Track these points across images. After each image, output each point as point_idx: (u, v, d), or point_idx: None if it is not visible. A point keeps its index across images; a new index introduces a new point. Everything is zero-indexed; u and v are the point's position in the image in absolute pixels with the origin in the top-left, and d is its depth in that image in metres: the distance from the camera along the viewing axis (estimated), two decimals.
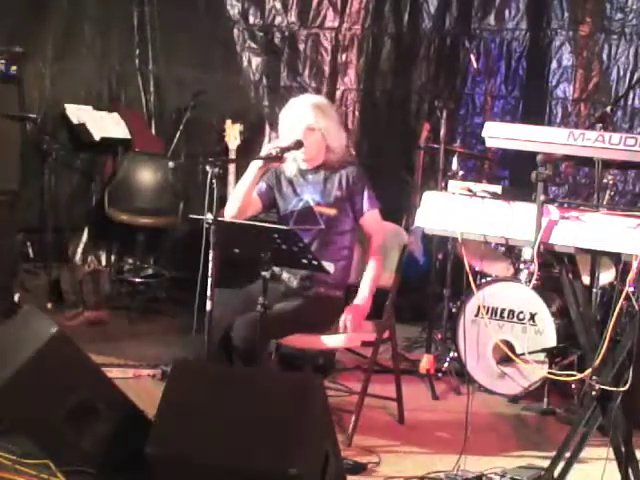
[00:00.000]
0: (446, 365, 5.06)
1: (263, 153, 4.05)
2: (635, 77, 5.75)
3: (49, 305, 5.82)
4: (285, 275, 4.12)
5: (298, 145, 4.00)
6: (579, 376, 3.34)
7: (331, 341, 4.06)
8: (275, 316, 3.80)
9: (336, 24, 6.61)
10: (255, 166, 4.01)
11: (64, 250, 6.38)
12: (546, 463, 3.39)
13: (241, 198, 4.05)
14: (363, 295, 4.07)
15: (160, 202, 6.26)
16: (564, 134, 2.96)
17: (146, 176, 6.26)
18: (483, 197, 3.12)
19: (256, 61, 6.73)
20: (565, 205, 3.03)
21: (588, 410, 3.14)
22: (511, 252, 5.04)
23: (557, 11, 6.04)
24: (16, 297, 5.57)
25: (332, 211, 4.09)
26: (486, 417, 4.47)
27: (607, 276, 4.73)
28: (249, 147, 6.50)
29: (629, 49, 5.80)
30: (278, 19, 6.69)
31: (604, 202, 4.58)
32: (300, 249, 3.65)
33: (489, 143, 3.12)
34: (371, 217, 4.12)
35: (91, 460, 3.28)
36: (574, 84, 6.00)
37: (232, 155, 5.93)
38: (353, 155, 4.23)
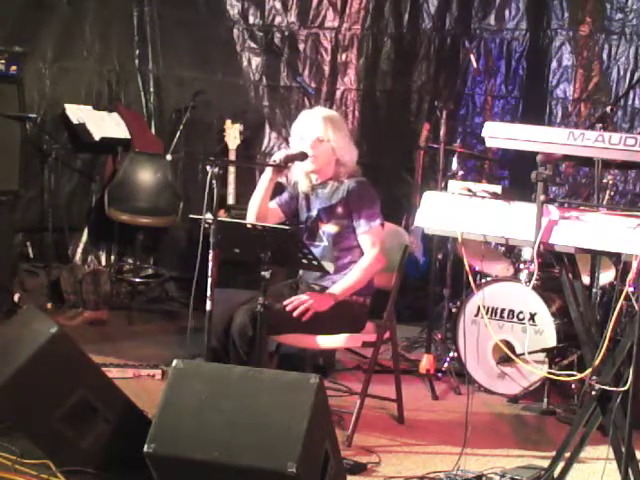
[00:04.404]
0: (446, 365, 5.06)
1: (271, 160, 4.08)
2: (635, 77, 5.75)
3: (49, 305, 5.82)
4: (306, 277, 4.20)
5: (302, 156, 4.00)
6: (579, 376, 3.34)
7: (331, 341, 4.06)
8: (278, 311, 3.84)
9: (336, 24, 6.61)
10: (266, 176, 4.05)
11: (64, 250, 6.38)
12: (546, 463, 3.39)
13: (256, 209, 4.09)
14: (331, 294, 3.98)
15: (160, 202, 6.26)
16: (564, 134, 2.95)
17: (146, 176, 6.25)
18: (483, 197, 3.12)
19: (256, 61, 6.72)
20: (565, 205, 3.03)
21: (588, 410, 3.14)
22: (511, 252, 5.03)
23: (557, 11, 6.04)
24: (16, 297, 5.57)
25: (334, 228, 4.10)
26: (486, 417, 4.47)
27: (607, 276, 4.73)
28: (249, 147, 6.52)
29: (629, 49, 5.80)
30: (278, 19, 6.68)
31: (604, 202, 4.58)
32: (300, 249, 3.66)
33: (489, 143, 3.12)
34: (365, 238, 4.05)
35: (91, 460, 3.28)
36: (574, 84, 6.00)
37: (232, 155, 5.95)
38: (359, 171, 4.19)
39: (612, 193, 4.75)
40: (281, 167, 4.01)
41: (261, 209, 4.10)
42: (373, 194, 4.11)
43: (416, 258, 5.71)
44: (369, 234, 4.05)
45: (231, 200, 5.80)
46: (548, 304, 4.67)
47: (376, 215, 4.07)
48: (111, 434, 3.34)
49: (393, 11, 6.51)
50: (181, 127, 6.34)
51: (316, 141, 4.05)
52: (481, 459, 3.82)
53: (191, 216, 3.66)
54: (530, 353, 4.52)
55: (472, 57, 5.74)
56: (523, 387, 4.68)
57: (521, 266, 4.97)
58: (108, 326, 5.76)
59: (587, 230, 2.88)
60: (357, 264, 4.05)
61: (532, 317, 4.69)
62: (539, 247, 2.93)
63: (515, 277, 4.95)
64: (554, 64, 6.07)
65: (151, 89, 6.70)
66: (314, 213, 4.15)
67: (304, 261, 3.73)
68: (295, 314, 3.86)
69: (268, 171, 4.06)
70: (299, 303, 3.89)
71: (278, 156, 4.01)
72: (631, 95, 5.76)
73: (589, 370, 3.07)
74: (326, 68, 6.66)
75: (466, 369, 4.71)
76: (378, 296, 4.19)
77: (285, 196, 4.24)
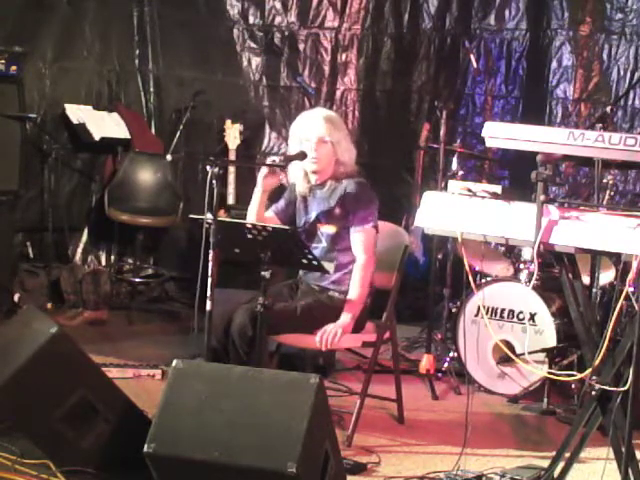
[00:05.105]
0: (446, 365, 5.06)
1: (268, 161, 4.07)
2: (635, 77, 5.76)
3: (49, 305, 5.82)
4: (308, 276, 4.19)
5: (302, 156, 4.00)
6: (579, 376, 3.34)
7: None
8: (278, 311, 3.84)
9: (336, 24, 6.61)
10: (260, 175, 4.05)
11: (64, 250, 6.38)
12: (546, 463, 3.39)
13: (254, 211, 4.09)
14: (345, 319, 3.96)
15: (160, 202, 6.26)
16: (564, 134, 2.95)
17: (146, 176, 6.25)
18: (483, 197, 3.12)
19: (256, 61, 6.72)
20: (565, 205, 3.03)
21: (588, 410, 3.14)
22: (511, 252, 5.03)
23: (557, 11, 6.04)
24: (16, 297, 5.57)
25: (332, 228, 4.09)
26: (486, 417, 4.47)
27: (607, 276, 4.73)
28: (249, 147, 6.52)
29: (629, 49, 5.80)
30: (278, 19, 6.68)
31: (604, 202, 4.58)
32: (300, 249, 3.66)
33: (489, 143, 3.12)
34: (357, 238, 4.04)
35: (91, 460, 3.28)
36: (574, 84, 6.00)
37: (232, 155, 5.95)
38: (358, 170, 4.19)
39: (612, 193, 4.75)
40: (281, 167, 4.01)
41: (259, 212, 4.09)
42: (371, 196, 4.10)
43: (416, 258, 5.71)
44: (361, 233, 4.03)
45: (231, 200, 5.80)
46: (548, 304, 4.67)
47: (370, 218, 4.05)
48: (111, 434, 3.34)
49: (393, 11, 6.50)
50: (181, 127, 6.34)
51: (319, 142, 4.05)
52: (481, 459, 3.82)
53: (191, 216, 3.66)
54: (530, 353, 4.52)
55: (472, 57, 5.74)
56: (523, 387, 4.68)
57: (521, 266, 4.97)
58: (108, 326, 5.76)
59: (587, 230, 2.89)
60: (353, 273, 4.03)
61: (532, 317, 4.69)
62: (539, 247, 2.93)
63: (515, 277, 4.95)
64: (554, 64, 6.07)
65: (151, 89, 6.70)
66: (312, 216, 4.14)
67: (304, 261, 3.73)
68: (325, 348, 3.95)
69: (259, 184, 4.05)
70: (328, 337, 3.90)
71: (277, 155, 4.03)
72: (631, 95, 5.76)
73: (589, 370, 3.07)
74: (326, 68, 6.66)
75: (466, 369, 4.70)
76: (378, 296, 4.18)
77: (281, 203, 4.24)
